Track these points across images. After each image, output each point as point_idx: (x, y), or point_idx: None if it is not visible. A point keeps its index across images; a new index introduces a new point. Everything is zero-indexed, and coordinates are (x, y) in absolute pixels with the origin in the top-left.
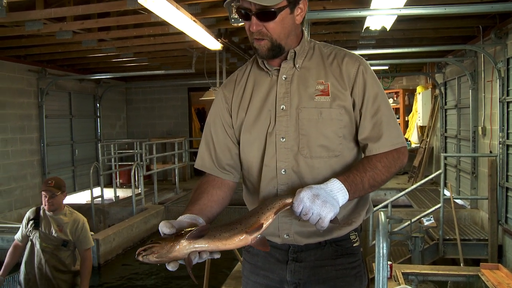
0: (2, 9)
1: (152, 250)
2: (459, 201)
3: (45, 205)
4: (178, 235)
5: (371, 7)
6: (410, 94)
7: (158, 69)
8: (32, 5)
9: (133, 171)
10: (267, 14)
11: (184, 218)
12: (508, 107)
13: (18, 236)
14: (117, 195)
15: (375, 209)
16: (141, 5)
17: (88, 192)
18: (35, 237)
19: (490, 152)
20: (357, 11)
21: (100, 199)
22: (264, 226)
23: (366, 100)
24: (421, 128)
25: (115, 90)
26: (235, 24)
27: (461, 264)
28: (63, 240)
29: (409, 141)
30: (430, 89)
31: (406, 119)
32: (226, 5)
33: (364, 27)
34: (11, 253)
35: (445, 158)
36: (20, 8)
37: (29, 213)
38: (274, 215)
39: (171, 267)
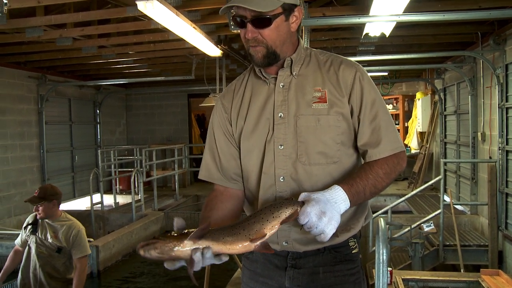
0: (3, 16)
1: (155, 245)
2: (459, 207)
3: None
4: (182, 234)
5: (370, 14)
6: (410, 100)
7: (158, 76)
8: (32, 12)
9: (133, 177)
10: (262, 21)
11: None
12: (507, 113)
13: (18, 241)
14: (117, 201)
15: (375, 215)
16: (141, 12)
17: (87, 198)
18: (32, 242)
19: (490, 158)
20: (356, 17)
21: (99, 205)
22: (268, 235)
23: (364, 106)
24: (421, 134)
25: (115, 96)
26: (235, 31)
27: (462, 270)
28: (57, 247)
29: (409, 147)
30: (429, 95)
31: (406, 125)
32: (222, 12)
33: (364, 33)
34: (11, 257)
35: (445, 164)
36: (21, 15)
37: (28, 218)
38: (279, 225)
39: (168, 266)
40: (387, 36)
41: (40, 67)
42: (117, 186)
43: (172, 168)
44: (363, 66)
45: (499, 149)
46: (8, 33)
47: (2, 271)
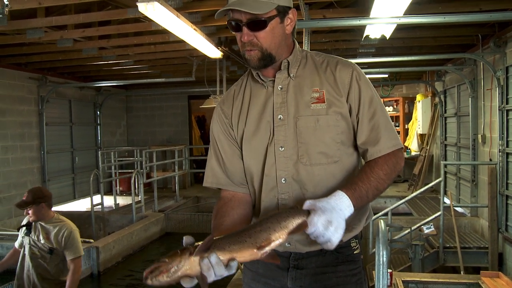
0: (4, 17)
1: (160, 270)
2: (459, 209)
3: None
4: (184, 250)
5: (370, 16)
6: (410, 102)
7: (158, 77)
8: (33, 13)
9: (133, 178)
10: (257, 24)
11: None
12: (507, 115)
13: (16, 243)
14: (117, 202)
15: (375, 217)
16: (142, 14)
17: (88, 199)
18: (26, 243)
19: (490, 160)
20: (356, 19)
21: (100, 206)
22: (274, 245)
23: (362, 105)
24: (421, 136)
25: (115, 97)
26: (234, 33)
27: (462, 272)
28: (49, 248)
29: (409, 149)
30: (429, 97)
31: (406, 127)
32: (218, 16)
33: (364, 35)
34: (9, 254)
35: (445, 166)
36: (22, 16)
37: (24, 220)
38: (286, 235)
39: (186, 284)
40: (387, 38)
41: (41, 69)
42: (118, 187)
43: (172, 170)
44: (364, 68)
45: (499, 151)
46: (9, 34)
47: None
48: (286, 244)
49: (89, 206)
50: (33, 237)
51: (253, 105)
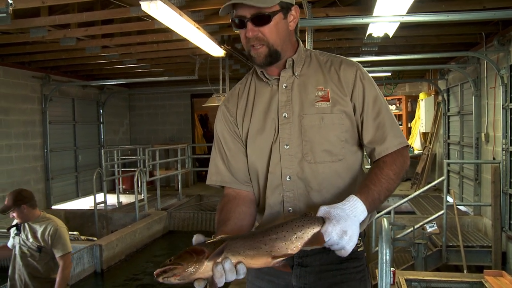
0: (7, 16)
1: (174, 272)
2: (462, 208)
3: None
4: (199, 253)
5: (373, 14)
6: (413, 100)
7: (161, 76)
8: (36, 12)
9: (136, 177)
10: (262, 19)
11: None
12: (511, 113)
13: (9, 243)
14: (120, 201)
15: (378, 215)
16: (145, 12)
17: (91, 198)
18: (16, 243)
19: (493, 158)
20: (359, 18)
21: (103, 205)
22: (289, 255)
23: (367, 104)
24: (424, 135)
25: (118, 96)
26: (238, 31)
27: (465, 271)
28: (37, 246)
29: (412, 147)
30: (433, 95)
31: (409, 126)
32: (222, 13)
33: (367, 34)
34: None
35: (448, 164)
36: (25, 15)
37: (14, 220)
38: (301, 246)
39: (199, 285)
40: (390, 36)
41: (44, 67)
42: (121, 185)
43: (175, 168)
44: (366, 66)
45: (502, 150)
46: (13, 33)
47: None
48: None
49: (92, 204)
50: (22, 236)
51: (258, 104)
